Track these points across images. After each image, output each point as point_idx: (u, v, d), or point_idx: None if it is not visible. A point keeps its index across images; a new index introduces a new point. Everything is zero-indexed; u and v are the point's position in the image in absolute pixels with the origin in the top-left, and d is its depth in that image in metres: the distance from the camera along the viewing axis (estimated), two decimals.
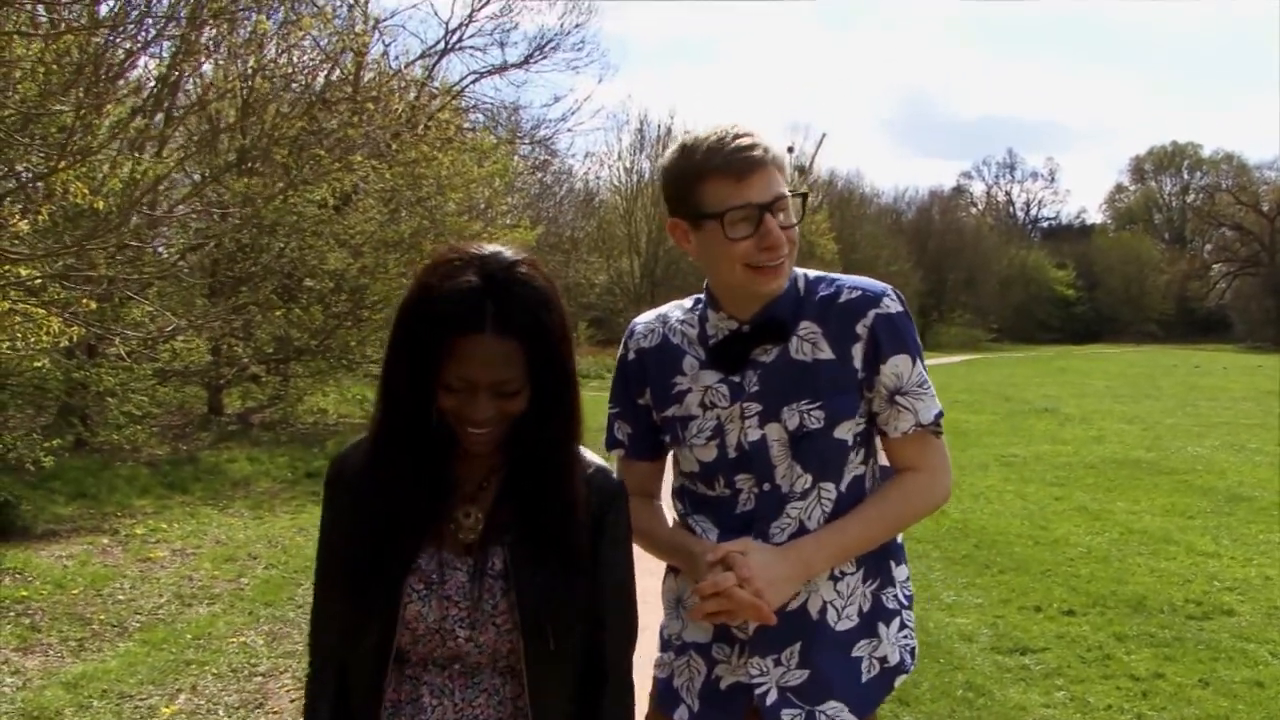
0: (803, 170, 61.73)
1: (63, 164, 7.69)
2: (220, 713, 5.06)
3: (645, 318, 2.42)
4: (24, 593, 6.88)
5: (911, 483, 2.26)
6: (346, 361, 17.08)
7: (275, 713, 5.06)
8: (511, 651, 1.87)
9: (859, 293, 2.23)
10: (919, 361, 2.23)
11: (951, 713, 5.14)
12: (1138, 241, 78.62)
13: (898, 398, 2.22)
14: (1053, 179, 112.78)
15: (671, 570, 2.41)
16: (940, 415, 2.27)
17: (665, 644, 2.43)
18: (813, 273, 2.31)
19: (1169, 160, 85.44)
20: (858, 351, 2.20)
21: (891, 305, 2.22)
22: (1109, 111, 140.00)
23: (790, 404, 2.19)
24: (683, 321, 2.35)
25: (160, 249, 11.84)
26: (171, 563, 7.96)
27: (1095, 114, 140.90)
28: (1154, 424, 19.17)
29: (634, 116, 77.51)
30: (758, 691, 2.23)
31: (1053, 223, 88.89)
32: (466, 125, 22.69)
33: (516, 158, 26.73)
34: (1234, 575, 7.92)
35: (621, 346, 2.43)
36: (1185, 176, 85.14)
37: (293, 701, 5.14)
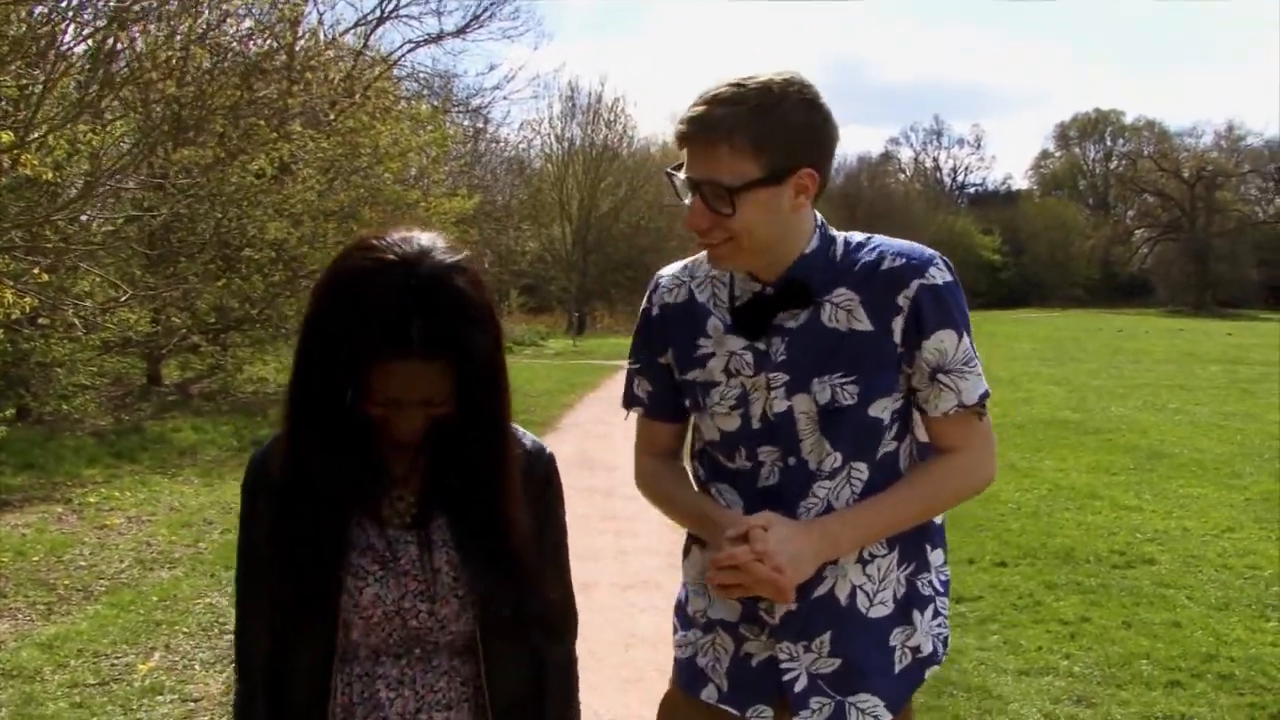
0: None
1: (5, 134, 7.73)
2: (196, 668, 5.23)
3: (671, 269, 2.26)
4: None
5: (951, 464, 2.11)
6: (285, 331, 17.13)
7: None
8: (470, 625, 1.81)
9: (902, 260, 2.06)
10: (965, 336, 2.06)
11: None
12: (1063, 208, 79.74)
13: (940, 376, 2.05)
14: (979, 145, 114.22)
15: (696, 543, 2.26)
16: (986, 395, 2.10)
17: (688, 621, 2.28)
18: (856, 235, 2.14)
19: (1093, 127, 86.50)
20: (898, 324, 2.03)
21: (938, 275, 2.05)
22: (1035, 78, 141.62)
23: (821, 375, 2.04)
24: (712, 277, 2.16)
25: (97, 220, 11.82)
26: (128, 529, 8.08)
27: (1022, 80, 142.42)
28: (1079, 386, 19.76)
29: (564, 84, 77.24)
30: (786, 677, 2.12)
31: (979, 189, 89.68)
32: (402, 94, 22.70)
33: (451, 126, 26.74)
34: (1155, 527, 8.33)
35: (645, 299, 2.26)
36: (1109, 143, 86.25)
37: None
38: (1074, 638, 5.71)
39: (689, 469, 2.30)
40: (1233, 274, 69.16)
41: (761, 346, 2.07)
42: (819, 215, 2.11)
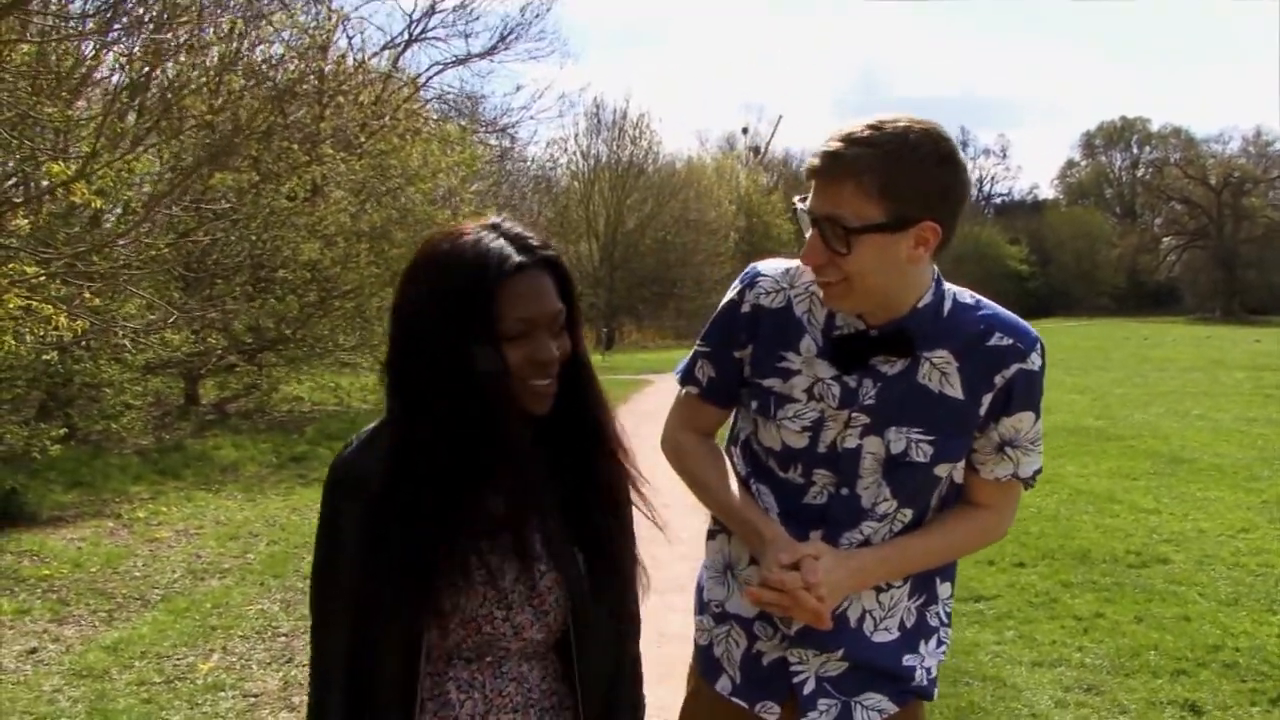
0: (757, 151, 62.38)
1: (57, 165, 8.09)
2: (254, 667, 5.55)
3: (771, 268, 2.23)
4: (46, 571, 7.32)
5: (981, 521, 2.22)
6: (320, 350, 17.52)
7: (303, 666, 5.54)
8: (545, 634, 1.85)
9: (1009, 341, 2.10)
10: (1039, 418, 2.16)
11: None
12: (1089, 216, 79.65)
13: (1007, 448, 2.14)
14: (1005, 155, 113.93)
15: (723, 531, 2.31)
16: (1039, 472, 2.21)
17: (703, 607, 2.34)
18: (967, 294, 2.17)
19: (1118, 135, 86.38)
20: (987, 399, 2.10)
21: (1036, 361, 2.11)
22: (1060, 87, 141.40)
23: (900, 426, 2.08)
24: (813, 293, 2.14)
25: (140, 245, 12.19)
26: (177, 542, 8.41)
27: (1046, 90, 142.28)
28: (1104, 394, 19.91)
29: (589, 101, 77.67)
30: (795, 680, 2.19)
31: (1005, 199, 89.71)
32: (430, 115, 23.08)
33: (479, 146, 27.13)
34: (1171, 529, 8.55)
35: (736, 289, 2.23)
36: (1135, 151, 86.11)
37: None
38: (1087, 632, 5.95)
39: (726, 455, 2.33)
40: (1261, 281, 68.90)
41: (852, 384, 2.08)
42: (936, 269, 2.13)
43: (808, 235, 2.00)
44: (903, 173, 1.90)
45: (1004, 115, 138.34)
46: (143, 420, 12.99)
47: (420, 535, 1.72)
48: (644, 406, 18.84)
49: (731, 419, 2.34)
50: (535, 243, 1.76)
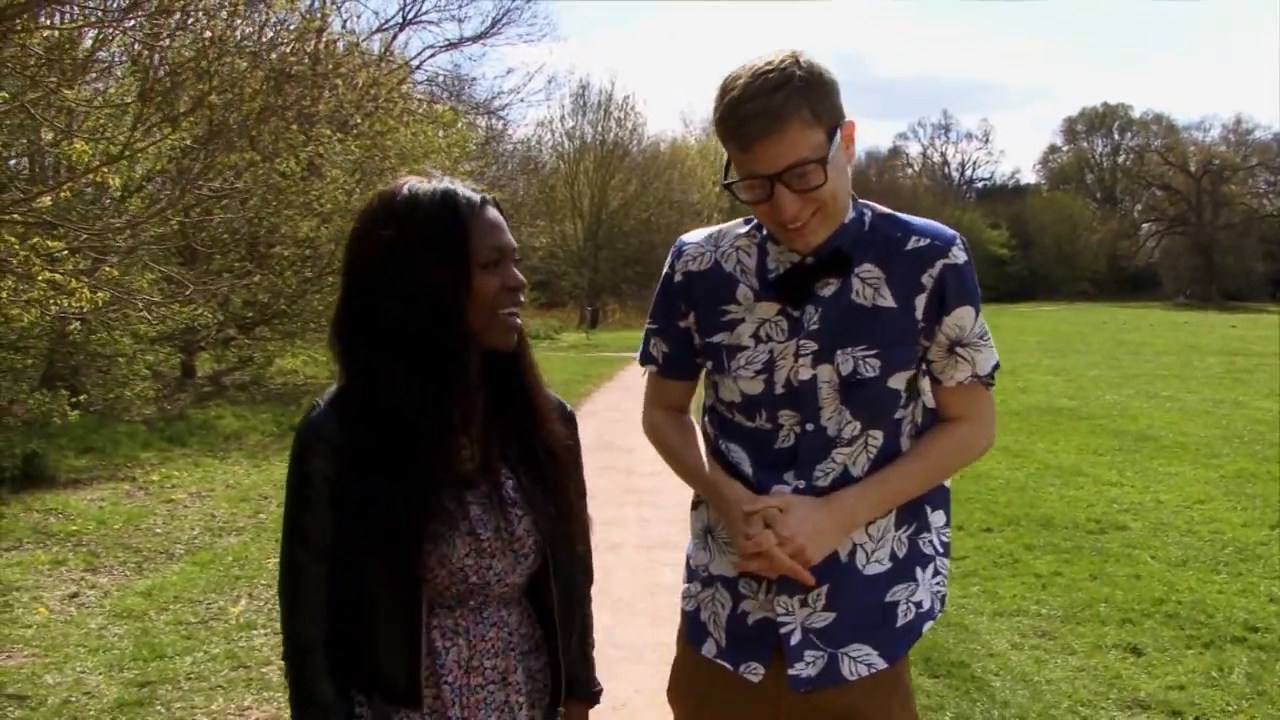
0: None
1: (79, 144, 8.50)
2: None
3: (694, 237, 2.32)
4: (73, 528, 7.79)
5: (957, 433, 2.23)
6: (314, 325, 17.92)
7: None
8: (523, 578, 1.94)
9: (927, 240, 2.15)
10: (980, 312, 2.19)
11: None
12: (1070, 201, 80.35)
13: (957, 349, 2.17)
14: (987, 140, 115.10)
15: (703, 501, 2.37)
16: (996, 367, 2.23)
17: (691, 574, 2.39)
18: (881, 209, 2.23)
19: (1100, 121, 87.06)
20: (921, 302, 2.13)
21: (959, 255, 2.15)
22: (1043, 72, 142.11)
23: (845, 348, 2.12)
24: (738, 248, 2.23)
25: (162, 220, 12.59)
26: (192, 503, 8.87)
27: (1029, 74, 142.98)
28: (1078, 376, 20.51)
29: (574, 81, 77.92)
30: (782, 631, 2.18)
31: (987, 183, 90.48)
32: (421, 97, 23.46)
33: (467, 127, 27.51)
34: (1131, 499, 9.09)
35: (668, 264, 2.32)
36: (1116, 137, 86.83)
37: None
38: (1045, 588, 6.47)
39: (698, 425, 2.40)
40: (1239, 267, 69.79)
41: (795, 313, 2.13)
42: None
43: (774, 198, 2.02)
44: (817, 93, 1.99)
45: (985, 99, 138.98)
46: (154, 389, 13.44)
47: (408, 487, 1.78)
48: (627, 382, 19.36)
49: (701, 393, 2.41)
50: (479, 189, 1.88)
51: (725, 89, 2.02)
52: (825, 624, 2.17)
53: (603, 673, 2.18)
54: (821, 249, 2.11)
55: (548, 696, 2.02)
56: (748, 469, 2.20)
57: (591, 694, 2.12)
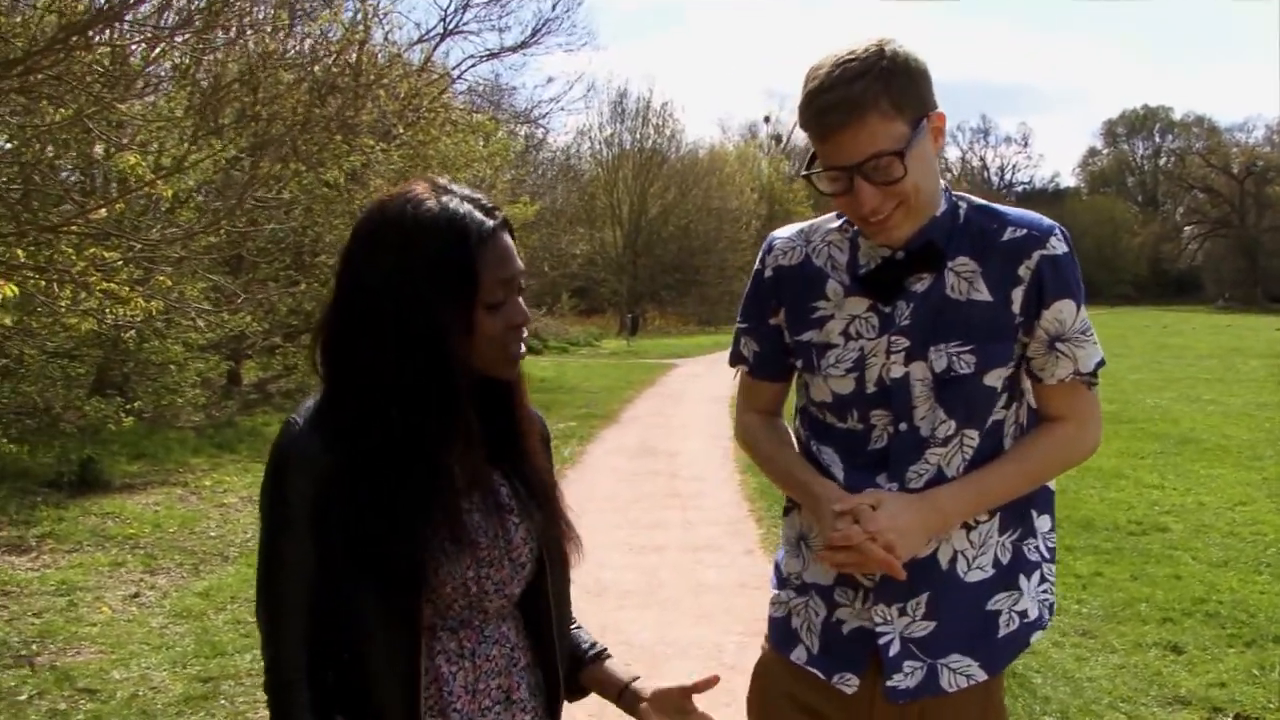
0: (779, 139, 62.76)
1: (133, 157, 8.72)
2: None
3: (785, 232, 2.26)
4: (130, 531, 7.99)
5: (1059, 434, 2.12)
6: None
7: None
8: (521, 588, 1.86)
9: (1024, 231, 2.08)
10: (1082, 306, 2.11)
11: None
12: (1111, 204, 79.86)
13: (1058, 344, 2.08)
14: (1026, 143, 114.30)
15: (796, 505, 2.27)
16: (1101, 363, 2.14)
17: (783, 582, 2.30)
18: (976, 200, 2.16)
19: (1141, 123, 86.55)
20: (1018, 295, 2.06)
21: (1058, 246, 2.08)
22: (1081, 75, 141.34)
23: (939, 344, 2.06)
24: (829, 243, 2.18)
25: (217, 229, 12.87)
26: (244, 508, 9.06)
27: (1067, 77, 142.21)
28: (1120, 379, 20.37)
29: (612, 89, 78.17)
30: (880, 641, 2.11)
31: (1027, 187, 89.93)
32: (460, 106, 23.69)
33: (509, 137, 27.79)
34: (1173, 501, 9.13)
35: (758, 261, 2.26)
36: (1157, 139, 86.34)
37: None
38: (1085, 588, 6.54)
39: (792, 429, 2.32)
40: None
41: (887, 310, 2.07)
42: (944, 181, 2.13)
43: (854, 190, 1.97)
44: (899, 82, 1.94)
45: (1025, 103, 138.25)
46: (205, 397, 13.70)
47: (408, 505, 1.68)
48: (669, 389, 19.49)
49: (794, 395, 2.35)
50: (489, 204, 1.74)
51: (808, 78, 1.97)
52: (925, 633, 2.11)
53: (650, 669, 2.21)
54: (912, 242, 2.06)
55: (545, 707, 1.93)
56: (839, 472, 2.14)
57: (600, 656, 2.02)
